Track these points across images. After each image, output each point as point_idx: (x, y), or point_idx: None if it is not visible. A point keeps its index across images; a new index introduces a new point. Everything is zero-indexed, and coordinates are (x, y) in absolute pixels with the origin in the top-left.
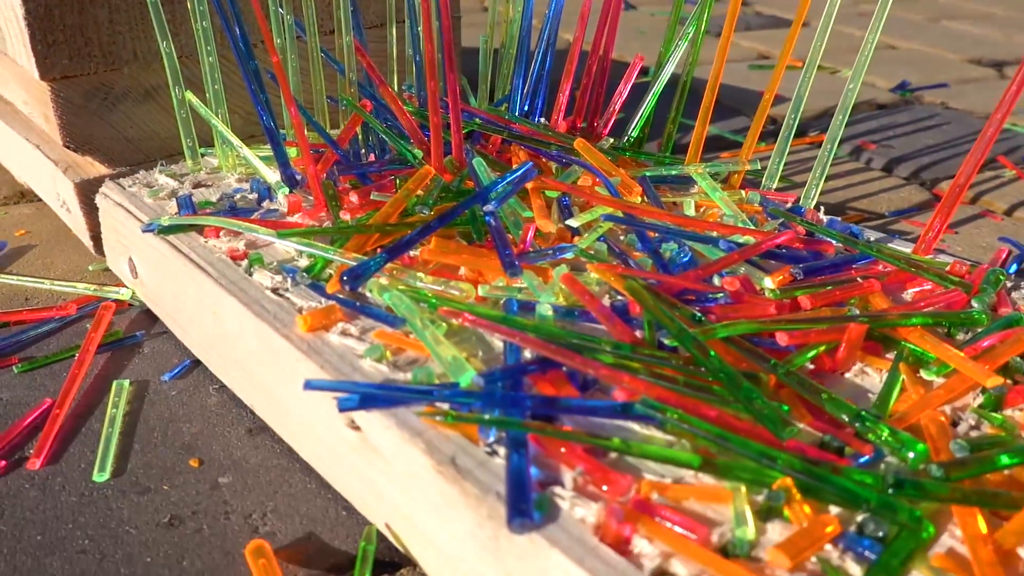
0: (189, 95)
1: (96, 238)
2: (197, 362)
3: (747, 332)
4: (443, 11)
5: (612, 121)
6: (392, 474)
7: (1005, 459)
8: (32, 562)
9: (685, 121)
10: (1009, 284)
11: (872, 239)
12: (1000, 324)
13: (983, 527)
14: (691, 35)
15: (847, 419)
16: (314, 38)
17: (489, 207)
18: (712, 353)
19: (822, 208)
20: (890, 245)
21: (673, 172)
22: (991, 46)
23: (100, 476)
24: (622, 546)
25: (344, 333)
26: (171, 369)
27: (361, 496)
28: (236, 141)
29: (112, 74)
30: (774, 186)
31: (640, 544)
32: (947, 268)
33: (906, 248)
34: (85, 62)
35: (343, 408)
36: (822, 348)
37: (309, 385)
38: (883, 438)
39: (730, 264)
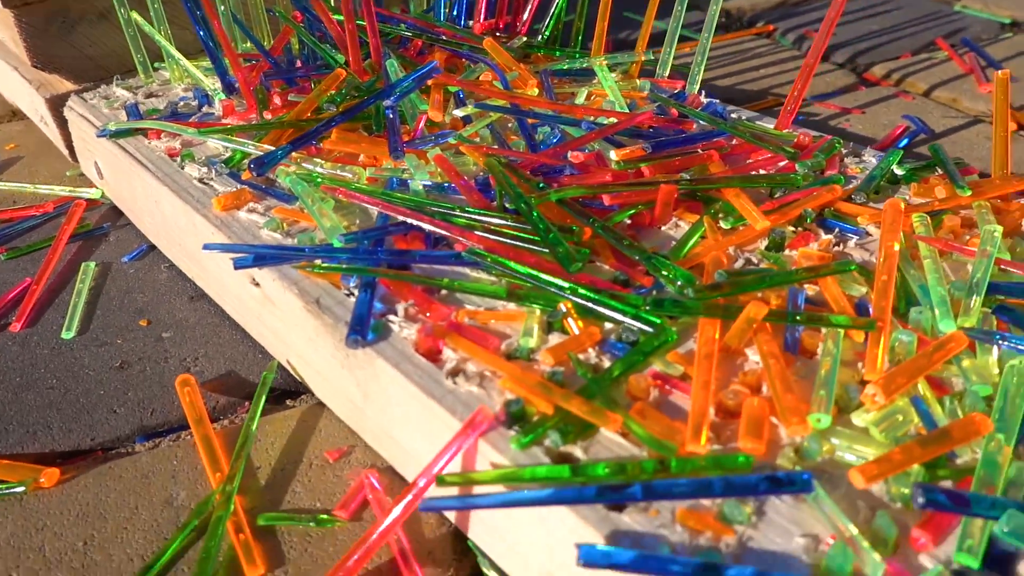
0: (134, 14)
1: (70, 147)
2: (152, 246)
3: (577, 195)
4: None
5: (528, 21)
6: (284, 318)
7: (754, 284)
8: (11, 396)
9: (634, 17)
10: (845, 151)
11: (744, 117)
12: (815, 183)
13: (716, 333)
14: None
15: (639, 259)
16: None
17: (388, 102)
18: (535, 212)
19: (703, 92)
20: (758, 123)
21: (576, 66)
22: None
23: (67, 334)
24: (434, 355)
25: (251, 211)
26: (130, 252)
27: (268, 339)
28: (177, 55)
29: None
30: (666, 73)
31: (447, 354)
32: (793, 140)
33: (769, 125)
34: None
35: (238, 266)
36: (639, 207)
37: (207, 247)
38: (664, 273)
39: (586, 142)
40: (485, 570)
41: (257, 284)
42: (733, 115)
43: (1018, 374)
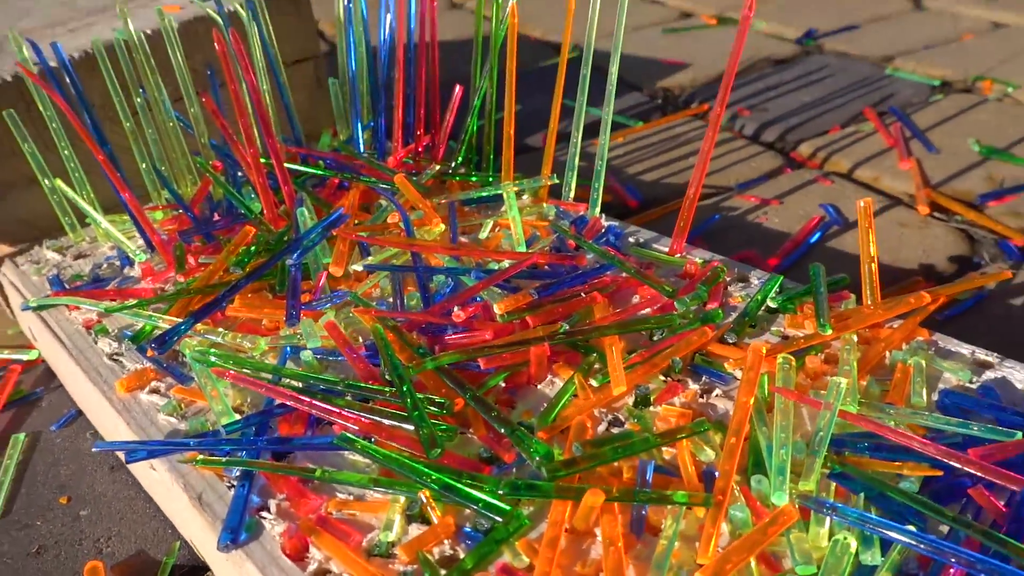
0: (58, 182)
1: (9, 306)
2: (80, 411)
3: (453, 361)
4: (249, 83)
5: (442, 146)
6: (178, 504)
7: (608, 456)
8: None
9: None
10: (729, 279)
11: (642, 241)
12: (693, 324)
13: (566, 514)
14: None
15: (505, 432)
16: (161, 112)
17: (290, 260)
18: (406, 386)
19: (603, 215)
20: (653, 246)
21: (484, 194)
22: None
23: None
24: (301, 554)
25: (152, 391)
26: (59, 419)
27: (173, 518)
28: (99, 218)
29: None
30: (571, 196)
31: (313, 552)
32: (683, 268)
33: (664, 249)
34: None
35: (129, 461)
36: (516, 368)
37: (98, 446)
38: (525, 446)
39: (473, 293)
40: None
41: (154, 468)
42: (631, 238)
43: (842, 549)
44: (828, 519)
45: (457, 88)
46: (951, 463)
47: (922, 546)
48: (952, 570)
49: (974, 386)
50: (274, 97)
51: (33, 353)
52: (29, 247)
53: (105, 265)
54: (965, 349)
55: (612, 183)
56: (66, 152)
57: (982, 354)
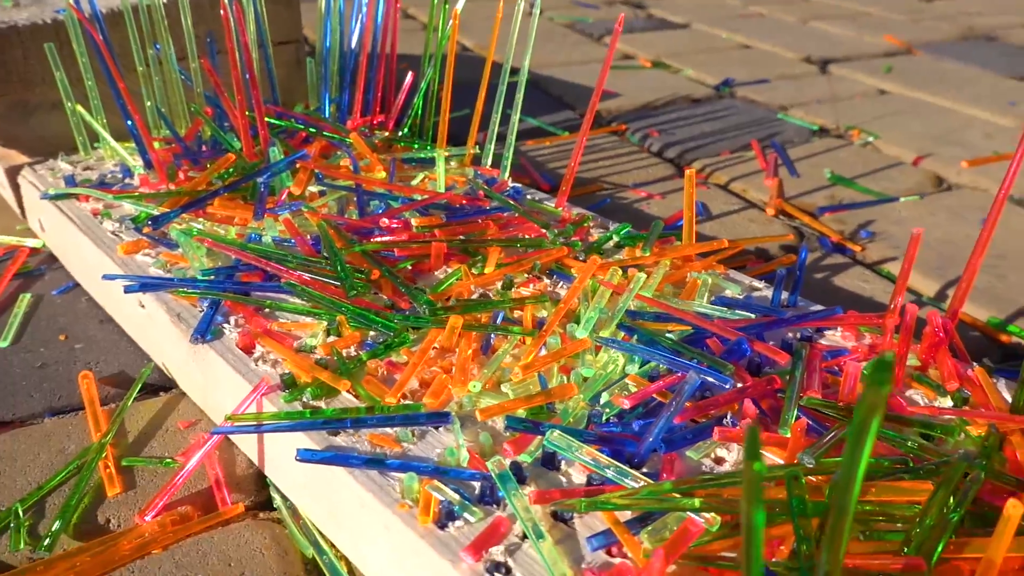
0: (78, 107)
1: (22, 207)
2: (77, 284)
3: (376, 248)
4: (245, 49)
5: (392, 119)
6: (158, 329)
7: (473, 306)
8: None
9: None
10: (594, 224)
11: (539, 198)
12: (556, 244)
13: (436, 339)
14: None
15: (404, 290)
16: (169, 63)
17: (261, 179)
18: (338, 257)
19: (509, 180)
20: (545, 203)
21: (422, 156)
22: (834, 44)
23: (3, 343)
24: (249, 350)
25: (146, 255)
26: (59, 287)
27: (149, 347)
28: (109, 139)
29: (27, 93)
30: (488, 163)
31: (259, 349)
32: (560, 216)
33: (551, 205)
34: (7, 86)
35: (127, 291)
36: (413, 260)
37: (106, 277)
38: (416, 296)
39: (398, 212)
40: (273, 494)
41: (143, 306)
42: (529, 197)
43: (611, 358)
44: (612, 350)
45: (409, 74)
46: (700, 325)
47: (658, 357)
48: (674, 373)
49: (741, 298)
50: (261, 67)
51: (39, 242)
52: (44, 160)
53: (109, 176)
54: (745, 279)
55: (531, 171)
56: (89, 83)
57: (757, 283)
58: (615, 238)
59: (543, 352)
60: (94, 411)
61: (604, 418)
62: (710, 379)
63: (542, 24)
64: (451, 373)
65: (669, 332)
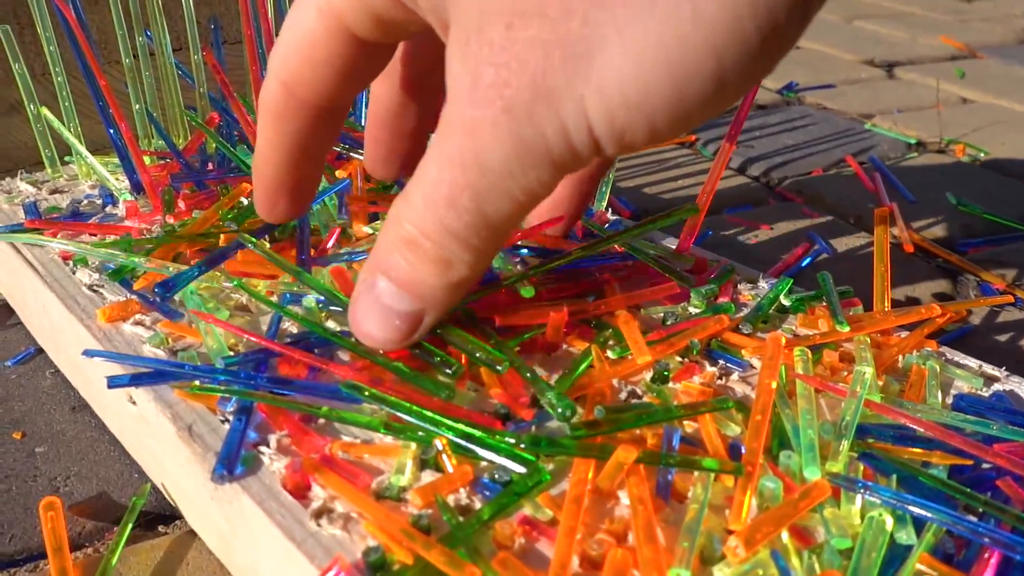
0: (44, 110)
1: None
2: (40, 350)
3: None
4: (267, 37)
5: None
6: (159, 440)
7: (632, 422)
8: None
9: None
10: (739, 277)
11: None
12: (705, 312)
13: (589, 473)
14: None
15: (529, 379)
16: (164, 55)
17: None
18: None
19: (610, 210)
20: (661, 243)
21: None
22: (891, 46)
23: None
24: (302, 491)
25: (137, 323)
26: (15, 355)
27: (144, 459)
28: (85, 152)
29: None
30: None
31: (316, 490)
32: (691, 264)
33: (671, 246)
34: None
35: (111, 386)
36: (521, 337)
37: (87, 353)
38: (549, 401)
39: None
40: None
41: (134, 402)
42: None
43: (876, 527)
44: (859, 497)
45: None
46: (978, 455)
47: (958, 527)
48: (989, 552)
49: (984, 394)
50: None
51: None
52: (0, 177)
53: (85, 202)
54: (972, 362)
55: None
56: (59, 79)
57: (989, 368)
58: (784, 300)
59: (752, 501)
60: (61, 565)
61: None
62: None
63: None
64: (627, 544)
65: (931, 464)
